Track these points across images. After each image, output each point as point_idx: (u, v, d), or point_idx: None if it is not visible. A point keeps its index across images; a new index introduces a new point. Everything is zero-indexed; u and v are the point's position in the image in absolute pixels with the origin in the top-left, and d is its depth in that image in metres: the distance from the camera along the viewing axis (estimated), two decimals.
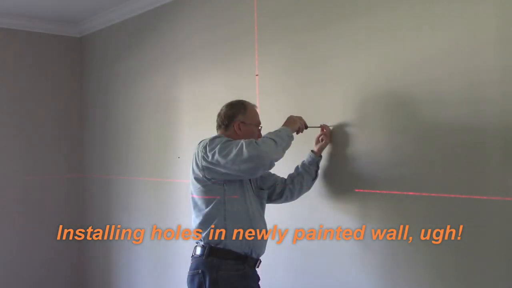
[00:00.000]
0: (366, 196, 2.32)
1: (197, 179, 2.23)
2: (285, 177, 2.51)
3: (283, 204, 2.54)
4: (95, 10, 4.10)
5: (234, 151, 2.07)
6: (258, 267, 2.29)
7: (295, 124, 2.31)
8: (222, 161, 2.09)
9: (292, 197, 2.48)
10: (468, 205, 1.96)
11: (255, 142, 2.08)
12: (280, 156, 2.15)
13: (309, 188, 2.49)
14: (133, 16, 3.93)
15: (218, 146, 2.12)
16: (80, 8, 4.07)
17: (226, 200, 2.18)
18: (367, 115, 2.33)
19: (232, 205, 2.19)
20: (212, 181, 2.19)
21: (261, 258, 2.30)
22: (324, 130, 2.45)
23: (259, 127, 2.37)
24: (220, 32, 3.16)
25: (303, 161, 2.50)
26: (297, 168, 2.50)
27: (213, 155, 2.12)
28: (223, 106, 2.36)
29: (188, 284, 2.23)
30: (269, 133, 2.19)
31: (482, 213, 1.92)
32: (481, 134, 1.93)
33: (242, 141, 2.10)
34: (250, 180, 2.32)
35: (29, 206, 4.34)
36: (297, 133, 2.35)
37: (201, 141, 2.25)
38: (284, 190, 2.45)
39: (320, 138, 2.46)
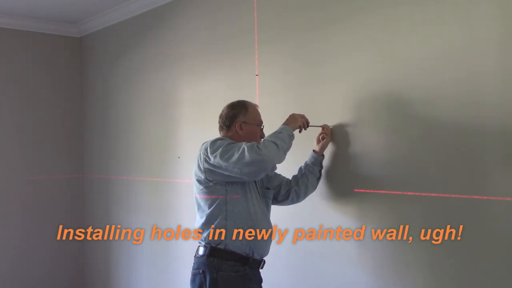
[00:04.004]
0: (366, 196, 2.32)
1: (199, 180, 2.24)
2: (289, 178, 2.51)
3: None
4: (95, 10, 4.10)
5: (236, 155, 2.07)
6: (262, 268, 2.29)
7: (296, 123, 2.31)
8: (223, 164, 2.10)
9: (298, 198, 2.47)
10: (468, 205, 1.96)
11: (257, 146, 2.08)
12: (282, 159, 2.15)
13: (314, 188, 2.48)
14: (133, 16, 3.93)
15: (220, 149, 2.12)
16: (80, 8, 4.07)
17: (227, 200, 2.18)
18: (367, 115, 2.33)
19: (234, 205, 2.19)
20: (214, 182, 2.19)
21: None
22: (325, 129, 2.45)
23: (261, 127, 2.37)
24: (220, 32, 3.16)
25: (306, 161, 2.49)
26: (300, 169, 2.50)
27: (214, 158, 2.12)
28: (224, 107, 2.36)
29: (190, 284, 2.24)
30: (271, 135, 2.19)
31: (482, 213, 1.92)
32: (481, 134, 1.92)
33: (244, 145, 2.10)
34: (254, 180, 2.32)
35: (29, 206, 4.34)
36: (299, 131, 2.35)
37: (203, 143, 2.25)
38: (289, 192, 2.44)
39: (321, 137, 2.46)
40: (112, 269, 4.24)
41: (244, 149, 2.07)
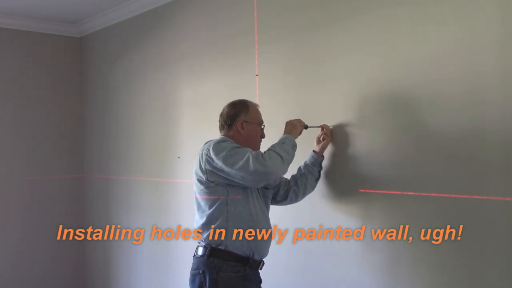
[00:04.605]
0: (366, 196, 2.32)
1: (200, 180, 2.23)
2: (288, 178, 2.51)
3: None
4: (95, 10, 4.10)
5: (240, 163, 2.06)
6: (261, 269, 2.29)
7: (297, 129, 2.31)
8: (226, 169, 2.10)
9: (296, 198, 2.47)
10: (468, 205, 1.96)
11: (262, 156, 2.07)
12: (285, 171, 2.17)
13: (313, 188, 2.48)
14: (133, 16, 3.92)
15: (224, 153, 2.11)
16: (80, 8, 4.07)
17: (228, 201, 2.18)
18: (367, 115, 2.33)
19: (235, 206, 2.18)
20: (215, 183, 2.19)
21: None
22: (324, 130, 2.44)
23: (262, 126, 2.36)
24: (220, 32, 3.16)
25: (306, 162, 2.49)
26: (299, 169, 2.49)
27: (218, 161, 2.12)
28: (225, 106, 2.36)
29: (189, 284, 2.23)
30: (276, 146, 2.18)
31: (482, 213, 1.92)
32: (481, 134, 1.92)
33: (249, 152, 2.09)
34: None
35: (30, 206, 4.34)
36: None
37: (206, 142, 2.25)
38: (288, 192, 2.44)
39: (321, 138, 2.46)
40: (112, 269, 4.24)
41: (249, 157, 2.06)
